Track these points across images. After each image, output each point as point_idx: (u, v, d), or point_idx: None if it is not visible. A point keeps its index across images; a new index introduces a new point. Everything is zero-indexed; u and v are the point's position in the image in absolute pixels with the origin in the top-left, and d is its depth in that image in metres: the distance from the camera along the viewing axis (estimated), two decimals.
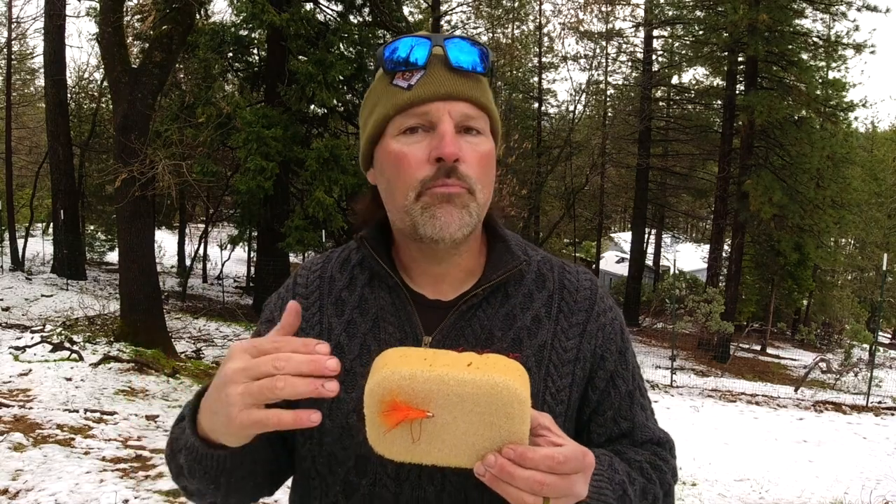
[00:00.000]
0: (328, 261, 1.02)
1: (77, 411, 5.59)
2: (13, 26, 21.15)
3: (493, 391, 0.71)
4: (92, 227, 23.35)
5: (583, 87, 25.55)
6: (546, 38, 25.49)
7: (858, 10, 18.80)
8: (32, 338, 8.24)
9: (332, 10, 14.85)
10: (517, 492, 0.72)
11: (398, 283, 0.94)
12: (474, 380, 0.71)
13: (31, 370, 6.82)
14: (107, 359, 7.43)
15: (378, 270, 0.95)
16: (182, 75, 14.25)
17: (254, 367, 0.70)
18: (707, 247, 23.42)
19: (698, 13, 21.43)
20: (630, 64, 26.81)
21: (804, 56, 19.03)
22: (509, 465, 0.72)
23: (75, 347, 7.75)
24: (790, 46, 18.48)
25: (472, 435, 0.74)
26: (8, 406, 5.50)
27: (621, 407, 0.98)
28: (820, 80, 19.09)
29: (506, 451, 0.72)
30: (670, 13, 22.57)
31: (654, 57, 24.50)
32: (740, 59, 19.70)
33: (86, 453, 4.63)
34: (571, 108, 25.64)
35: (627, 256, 27.40)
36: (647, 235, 28.51)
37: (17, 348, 7.65)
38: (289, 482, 1.08)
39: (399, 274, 0.95)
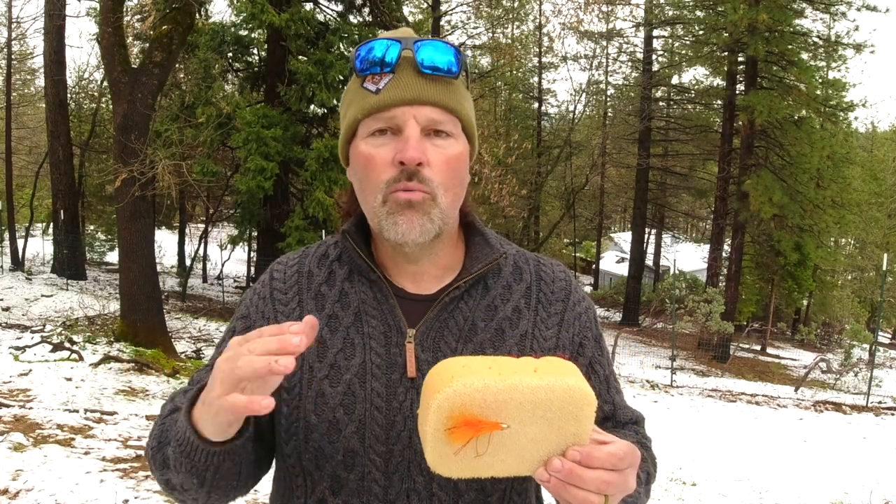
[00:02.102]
0: (305, 256, 1.03)
1: (77, 411, 5.58)
2: (13, 26, 21.18)
3: (567, 395, 0.69)
4: (92, 227, 23.35)
5: (583, 87, 25.63)
6: (546, 38, 25.57)
7: (858, 10, 18.82)
8: (32, 338, 8.24)
9: (332, 10, 14.86)
10: (584, 493, 0.71)
11: (379, 277, 0.95)
12: (549, 385, 0.69)
13: (31, 370, 6.81)
14: (107, 359, 7.42)
15: (359, 264, 0.96)
16: (182, 75, 14.25)
17: (234, 355, 0.72)
18: (707, 247, 23.42)
19: (698, 13, 21.44)
20: (630, 64, 26.85)
21: (804, 56, 19.05)
22: (578, 468, 0.71)
23: (75, 347, 7.75)
24: (790, 46, 18.48)
25: (538, 441, 0.71)
26: (8, 406, 5.49)
27: (601, 391, 1.01)
28: (820, 80, 19.10)
29: (571, 453, 0.72)
30: (670, 13, 22.59)
31: (654, 57, 24.50)
32: (740, 59, 19.71)
33: (86, 453, 4.63)
34: (571, 108, 25.72)
35: (627, 256, 27.40)
36: (647, 235, 28.51)
37: (17, 348, 7.65)
38: (269, 478, 1.06)
39: (379, 268, 0.96)
